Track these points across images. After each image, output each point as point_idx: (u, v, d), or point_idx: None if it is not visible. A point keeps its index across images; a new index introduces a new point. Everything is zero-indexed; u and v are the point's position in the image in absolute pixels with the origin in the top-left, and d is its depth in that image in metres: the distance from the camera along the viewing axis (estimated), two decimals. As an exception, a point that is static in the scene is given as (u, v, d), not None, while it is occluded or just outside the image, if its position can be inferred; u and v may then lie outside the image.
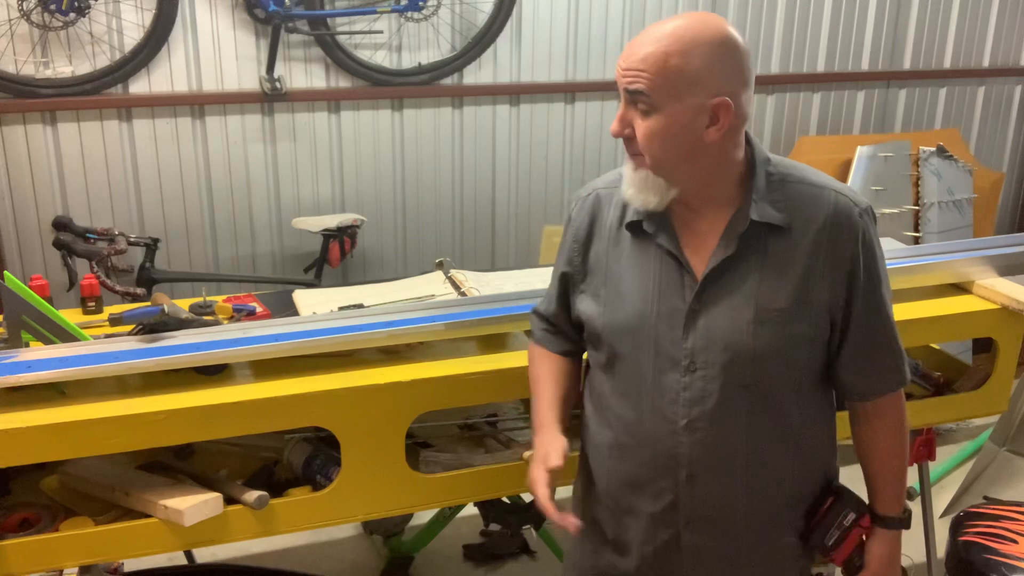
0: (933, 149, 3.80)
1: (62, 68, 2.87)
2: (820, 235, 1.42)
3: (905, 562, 2.87)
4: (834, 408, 1.59)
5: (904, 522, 1.59)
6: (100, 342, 1.84)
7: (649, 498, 1.52)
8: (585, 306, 1.56)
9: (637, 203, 1.44)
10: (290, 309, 2.28)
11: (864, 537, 1.58)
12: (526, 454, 1.91)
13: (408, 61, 3.25)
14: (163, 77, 2.98)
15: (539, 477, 1.49)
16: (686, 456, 1.47)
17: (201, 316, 2.14)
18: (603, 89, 3.50)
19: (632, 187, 1.43)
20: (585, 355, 1.65)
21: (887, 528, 1.58)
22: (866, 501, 1.60)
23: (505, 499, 2.60)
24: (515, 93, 3.41)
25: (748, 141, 1.46)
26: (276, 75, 3.05)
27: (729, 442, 1.47)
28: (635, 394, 1.50)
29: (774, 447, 1.49)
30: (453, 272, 2.40)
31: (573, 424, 1.63)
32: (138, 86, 2.96)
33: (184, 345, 1.80)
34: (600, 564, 1.64)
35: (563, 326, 1.66)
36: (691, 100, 1.34)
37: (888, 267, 2.17)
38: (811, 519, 1.57)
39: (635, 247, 1.50)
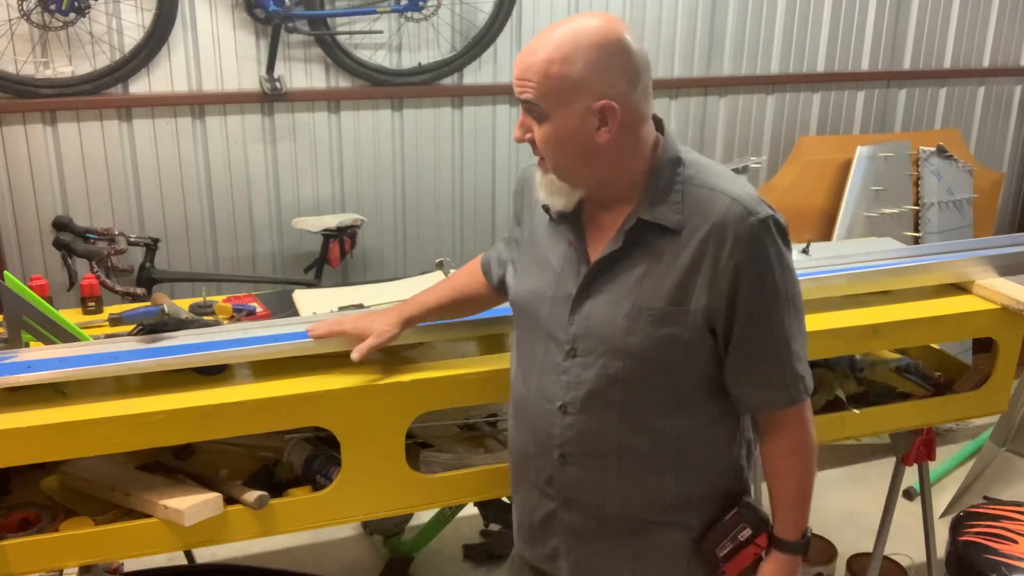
0: (933, 149, 3.80)
1: (62, 68, 2.87)
2: (706, 240, 1.41)
3: (905, 562, 2.88)
4: (743, 422, 1.56)
5: (802, 547, 1.54)
6: (100, 342, 1.84)
7: (534, 470, 1.59)
8: (509, 274, 1.67)
9: (549, 204, 1.50)
10: (290, 309, 2.28)
11: (761, 556, 1.55)
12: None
13: (408, 61, 3.25)
14: (163, 77, 2.98)
15: (359, 347, 1.75)
16: (559, 437, 1.52)
17: (201, 316, 2.14)
18: (603, 89, 3.50)
19: (542, 190, 1.49)
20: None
21: (782, 551, 1.54)
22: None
23: (505, 499, 2.60)
24: (515, 93, 3.41)
25: (664, 136, 1.48)
26: (276, 75, 3.05)
27: (599, 431, 1.49)
28: (527, 370, 1.58)
29: (651, 445, 1.49)
30: (453, 272, 2.40)
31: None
32: (138, 86, 2.97)
33: (184, 345, 1.80)
34: (515, 526, 1.72)
35: (502, 266, 1.75)
36: (577, 104, 1.37)
37: (888, 267, 2.22)
38: (710, 527, 1.55)
39: (550, 229, 1.56)
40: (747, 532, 1.53)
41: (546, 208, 1.54)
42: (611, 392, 1.47)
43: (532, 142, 1.44)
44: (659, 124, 1.49)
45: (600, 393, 1.48)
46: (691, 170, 1.46)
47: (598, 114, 1.38)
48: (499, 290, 1.79)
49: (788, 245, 1.46)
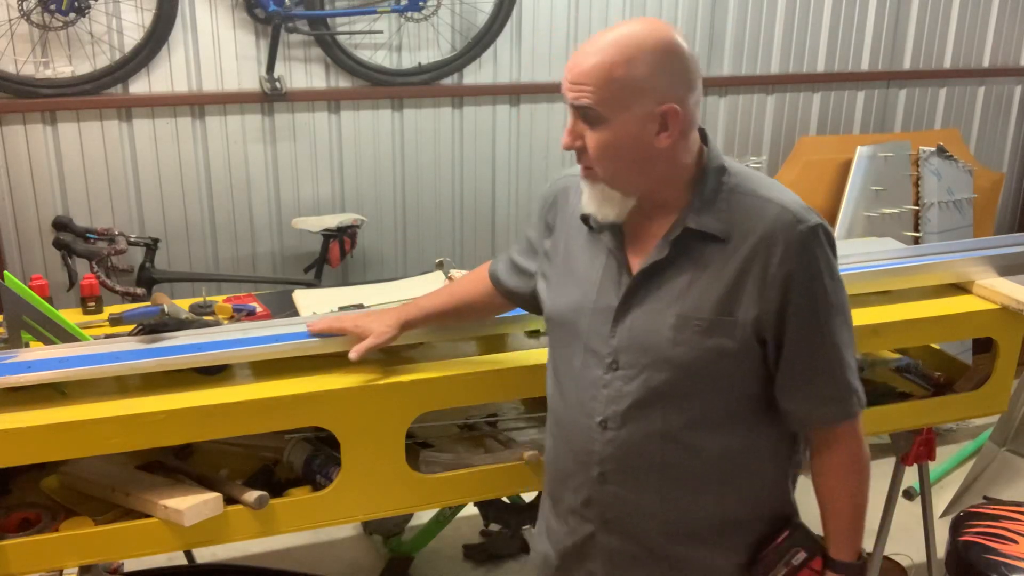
0: (933, 149, 3.80)
1: (62, 68, 2.87)
2: (755, 249, 1.38)
3: (905, 562, 2.88)
4: (787, 440, 1.52)
5: (858, 569, 1.50)
6: (100, 342, 1.84)
7: (571, 491, 1.54)
8: (541, 287, 1.61)
9: (597, 216, 1.44)
10: (290, 309, 2.28)
11: None
12: (526, 454, 1.91)
13: (408, 61, 3.25)
14: (163, 77, 2.98)
15: (357, 346, 1.75)
16: (598, 454, 1.47)
17: (201, 316, 2.14)
18: (603, 89, 3.50)
19: (591, 201, 1.43)
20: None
21: (838, 573, 1.50)
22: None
23: (505, 499, 2.60)
24: (515, 93, 3.41)
25: (708, 145, 1.45)
26: (276, 75, 3.05)
27: (641, 447, 1.44)
28: (564, 385, 1.53)
29: (695, 463, 1.45)
30: (453, 272, 2.40)
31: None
32: (138, 86, 2.97)
33: (184, 346, 1.80)
34: (541, 551, 1.68)
35: (515, 273, 1.72)
36: (639, 109, 1.34)
37: (888, 267, 2.22)
38: (760, 551, 1.51)
39: (589, 240, 1.52)
40: (801, 555, 1.49)
41: (584, 219, 1.49)
42: (654, 406, 1.42)
43: (581, 149, 1.39)
44: (703, 134, 1.46)
45: (643, 407, 1.43)
46: (736, 179, 1.43)
47: (659, 119, 1.35)
48: (508, 299, 1.76)
49: (835, 254, 1.44)
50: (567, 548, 1.58)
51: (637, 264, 1.45)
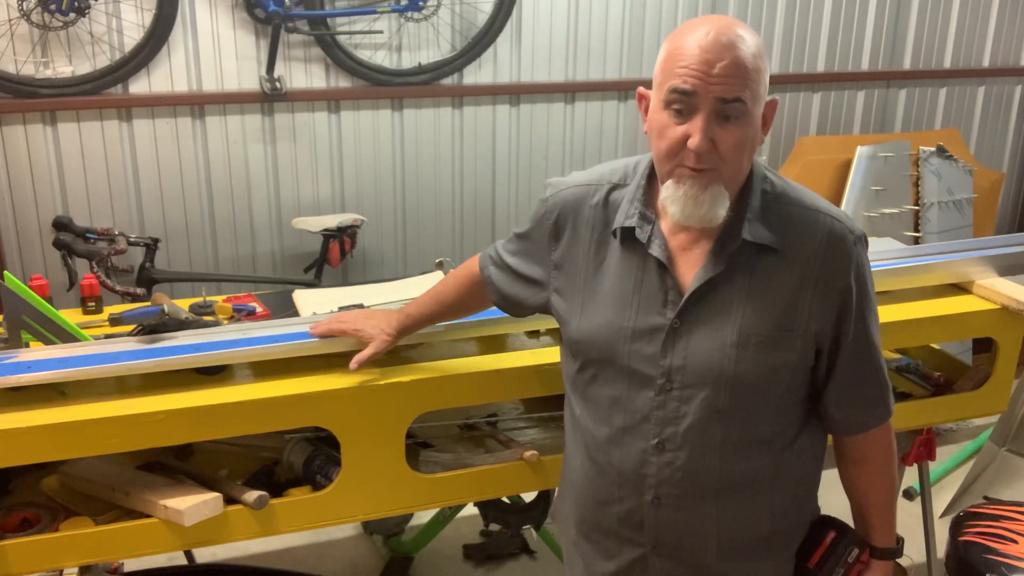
0: (933, 149, 3.80)
1: (62, 68, 2.87)
2: (812, 261, 1.37)
3: (905, 562, 2.87)
4: (823, 440, 1.54)
5: (899, 552, 1.56)
6: (100, 342, 1.84)
7: (614, 517, 1.48)
8: (558, 304, 1.53)
9: (704, 222, 1.34)
10: (290, 309, 2.29)
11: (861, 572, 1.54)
12: (526, 454, 1.91)
13: (408, 61, 3.25)
14: (163, 77, 2.98)
15: (357, 356, 1.75)
16: (654, 477, 1.42)
17: (201, 316, 2.14)
18: (603, 89, 3.50)
19: (698, 205, 1.33)
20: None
21: (883, 560, 1.55)
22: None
23: (505, 499, 2.60)
24: (515, 93, 3.41)
25: None
26: (276, 75, 3.05)
27: (700, 467, 1.40)
28: (606, 412, 1.45)
29: (750, 477, 1.43)
30: (453, 272, 2.40)
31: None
32: (138, 86, 2.96)
33: (184, 346, 1.80)
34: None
35: (516, 281, 1.63)
36: (762, 104, 1.34)
37: (888, 267, 2.22)
38: (806, 555, 1.52)
39: (618, 255, 1.44)
40: (855, 552, 1.52)
41: (619, 232, 1.43)
42: (714, 425, 1.38)
43: (708, 152, 1.30)
44: None
45: (702, 426, 1.38)
46: (779, 188, 1.41)
47: (763, 114, 1.35)
48: (502, 307, 1.70)
49: None
50: (607, 571, 1.53)
51: (681, 278, 1.40)
